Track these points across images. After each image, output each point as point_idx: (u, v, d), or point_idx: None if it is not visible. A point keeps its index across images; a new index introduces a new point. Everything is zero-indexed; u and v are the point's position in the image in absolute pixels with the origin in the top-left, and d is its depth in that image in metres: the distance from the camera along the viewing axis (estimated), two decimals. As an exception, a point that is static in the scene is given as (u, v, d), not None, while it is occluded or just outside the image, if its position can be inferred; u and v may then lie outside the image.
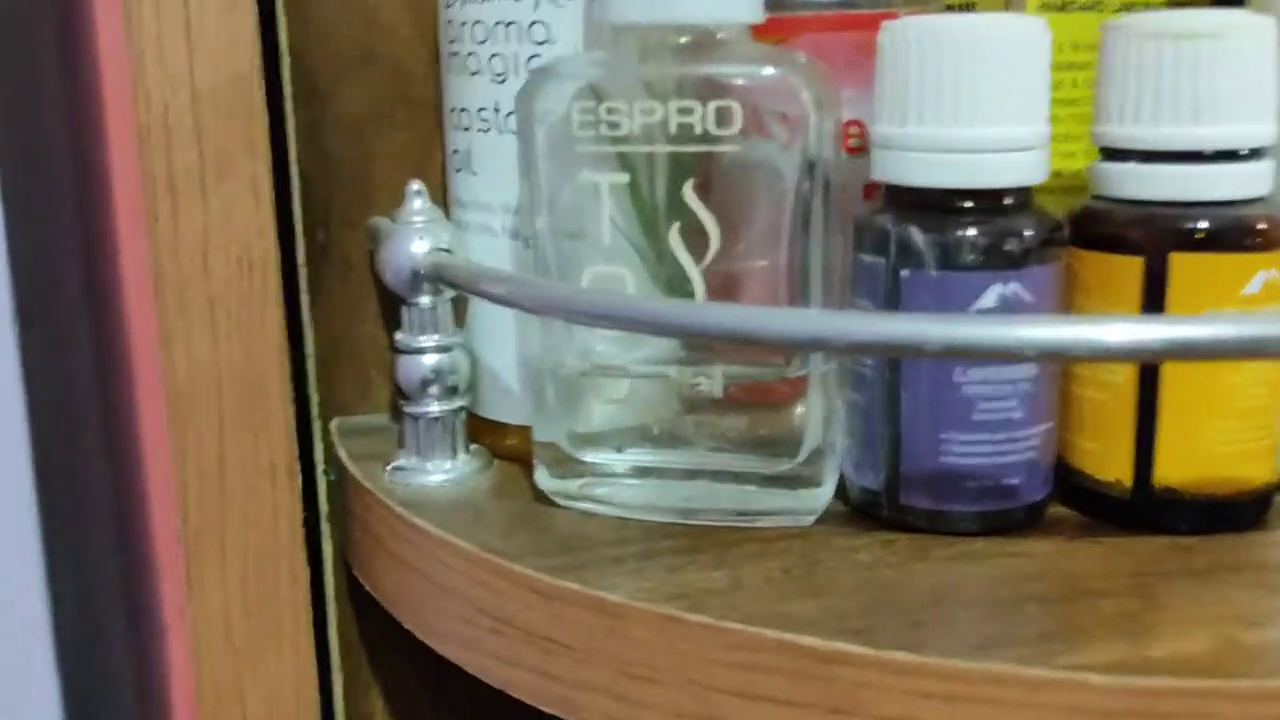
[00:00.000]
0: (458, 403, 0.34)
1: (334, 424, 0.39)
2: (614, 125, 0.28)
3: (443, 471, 0.34)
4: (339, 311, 0.40)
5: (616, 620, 0.26)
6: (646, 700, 0.26)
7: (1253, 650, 0.23)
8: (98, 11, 0.37)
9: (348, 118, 0.38)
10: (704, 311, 0.26)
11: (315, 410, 0.40)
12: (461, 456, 0.34)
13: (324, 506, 0.39)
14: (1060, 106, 0.31)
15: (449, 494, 0.33)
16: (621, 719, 0.26)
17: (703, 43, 0.28)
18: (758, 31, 0.31)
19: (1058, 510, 0.30)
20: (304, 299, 0.39)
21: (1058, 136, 0.29)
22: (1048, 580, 0.26)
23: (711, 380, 0.29)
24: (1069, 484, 0.30)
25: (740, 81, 0.27)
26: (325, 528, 0.39)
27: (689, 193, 0.28)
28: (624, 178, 0.28)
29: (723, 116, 0.27)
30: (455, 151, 0.34)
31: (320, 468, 0.39)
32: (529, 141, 0.29)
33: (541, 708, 0.28)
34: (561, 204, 0.29)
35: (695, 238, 0.28)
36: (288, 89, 0.38)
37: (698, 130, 0.27)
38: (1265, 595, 0.25)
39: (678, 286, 0.29)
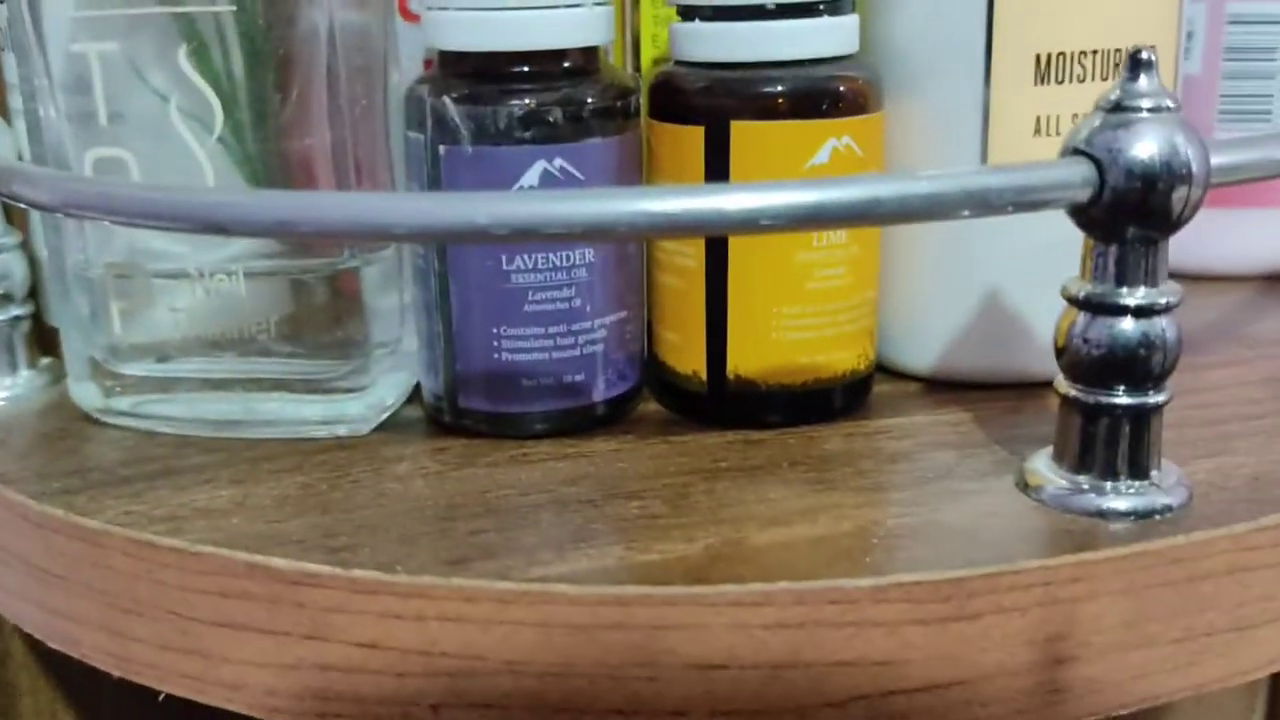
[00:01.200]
0: (15, 312, 0.30)
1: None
2: (98, -18, 0.24)
3: (1, 389, 0.30)
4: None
5: (99, 549, 0.23)
6: (135, 633, 0.23)
7: (752, 552, 0.21)
8: None
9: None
10: (189, 198, 0.23)
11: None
12: (25, 373, 0.31)
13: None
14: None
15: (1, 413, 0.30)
16: (116, 654, 0.23)
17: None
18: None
19: (649, 408, 0.28)
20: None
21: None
22: (587, 483, 0.24)
23: (235, 279, 0.26)
24: (657, 379, 0.28)
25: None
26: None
27: (184, 63, 0.24)
28: (113, 45, 0.24)
29: (217, -30, 0.24)
30: (-3, 27, 0.30)
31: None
32: (24, 9, 0.25)
33: (49, 643, 0.25)
34: (59, 73, 0.25)
35: (201, 113, 0.25)
36: None
37: (191, -13, 0.24)
38: (806, 491, 0.23)
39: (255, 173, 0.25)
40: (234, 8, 0.24)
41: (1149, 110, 0.21)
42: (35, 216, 0.31)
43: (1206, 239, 0.35)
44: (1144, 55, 0.21)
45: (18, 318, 0.31)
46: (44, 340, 0.31)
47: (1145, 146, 0.20)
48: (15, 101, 0.30)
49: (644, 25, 0.30)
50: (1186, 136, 0.20)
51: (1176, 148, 0.20)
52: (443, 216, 0.20)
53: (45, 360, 0.31)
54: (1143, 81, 0.21)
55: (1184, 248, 0.31)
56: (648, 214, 0.20)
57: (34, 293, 0.31)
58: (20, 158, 0.29)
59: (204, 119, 0.25)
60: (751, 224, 0.20)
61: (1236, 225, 0.35)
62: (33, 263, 0.31)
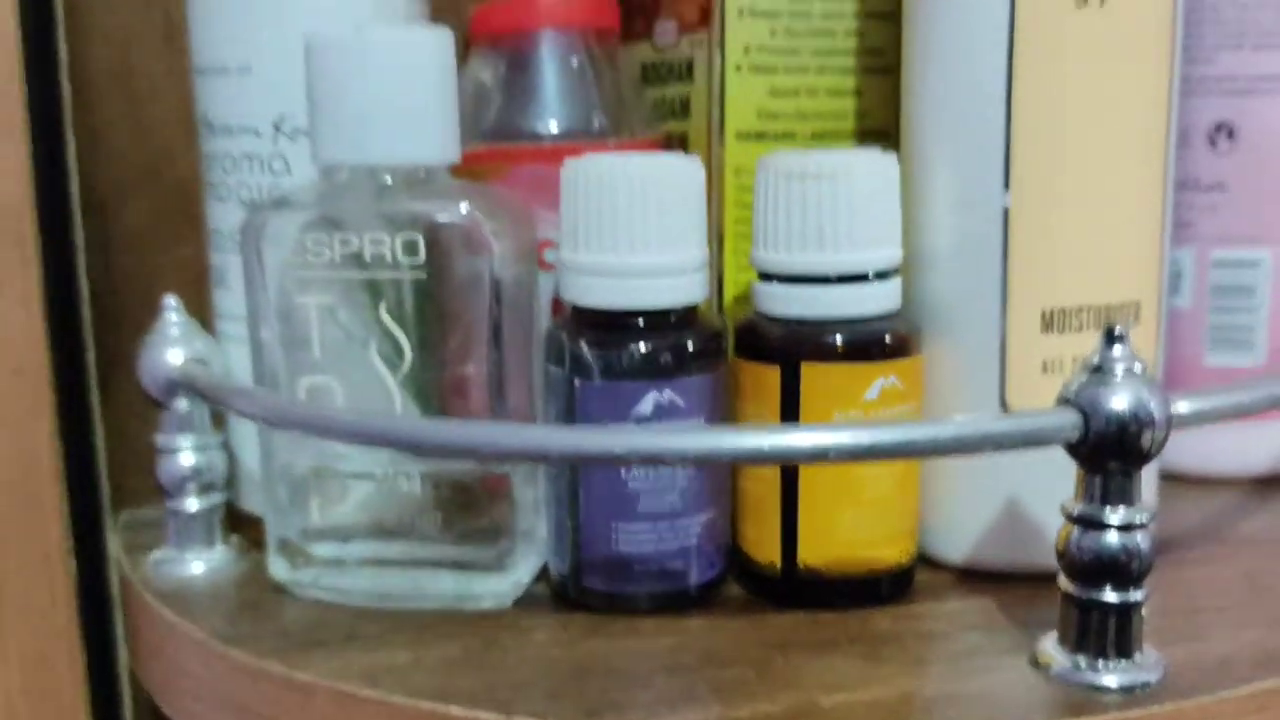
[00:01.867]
0: (215, 498, 0.37)
1: (121, 517, 0.42)
2: (317, 254, 0.32)
3: (200, 561, 0.37)
4: (130, 412, 0.43)
5: (309, 698, 0.29)
6: (335, 768, 0.29)
7: (822, 713, 0.27)
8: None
9: (132, 233, 0.42)
10: (391, 424, 0.30)
11: (107, 503, 0.43)
12: (219, 548, 0.38)
13: (113, 593, 0.42)
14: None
15: (201, 584, 0.36)
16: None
17: (402, 180, 0.32)
18: (486, 159, 0.36)
19: (733, 590, 0.34)
20: (94, 398, 0.42)
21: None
22: (687, 653, 0.30)
23: (410, 479, 0.32)
24: (741, 567, 0.34)
25: (428, 216, 0.31)
26: (116, 615, 0.42)
27: (383, 314, 0.32)
28: (327, 300, 0.32)
29: (409, 248, 0.31)
30: (214, 268, 0.38)
31: (109, 554, 0.42)
32: (253, 263, 0.33)
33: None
34: (280, 317, 0.33)
35: (393, 353, 0.32)
36: (75, 204, 0.41)
37: (389, 259, 0.31)
38: (863, 664, 0.29)
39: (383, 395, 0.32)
40: (423, 275, 0.31)
41: (1122, 372, 0.27)
42: (233, 419, 0.38)
43: (1201, 444, 0.41)
44: (1116, 330, 0.27)
45: (216, 504, 0.38)
46: (231, 520, 0.38)
47: (1119, 400, 0.27)
48: (225, 326, 0.38)
49: (728, 273, 0.37)
50: (1151, 392, 0.27)
51: (1144, 401, 0.27)
52: (590, 445, 0.27)
53: (233, 537, 0.38)
54: (1116, 349, 0.27)
55: (1182, 451, 0.37)
56: (741, 448, 0.27)
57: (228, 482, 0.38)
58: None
59: (395, 358, 0.32)
60: (820, 456, 0.27)
61: (1227, 432, 0.41)
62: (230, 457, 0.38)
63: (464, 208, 0.31)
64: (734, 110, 0.37)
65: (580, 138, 0.37)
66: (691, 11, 0.38)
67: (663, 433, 0.28)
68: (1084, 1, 0.31)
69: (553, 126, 0.37)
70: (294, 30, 0.33)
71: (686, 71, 0.38)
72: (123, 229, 0.42)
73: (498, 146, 0.37)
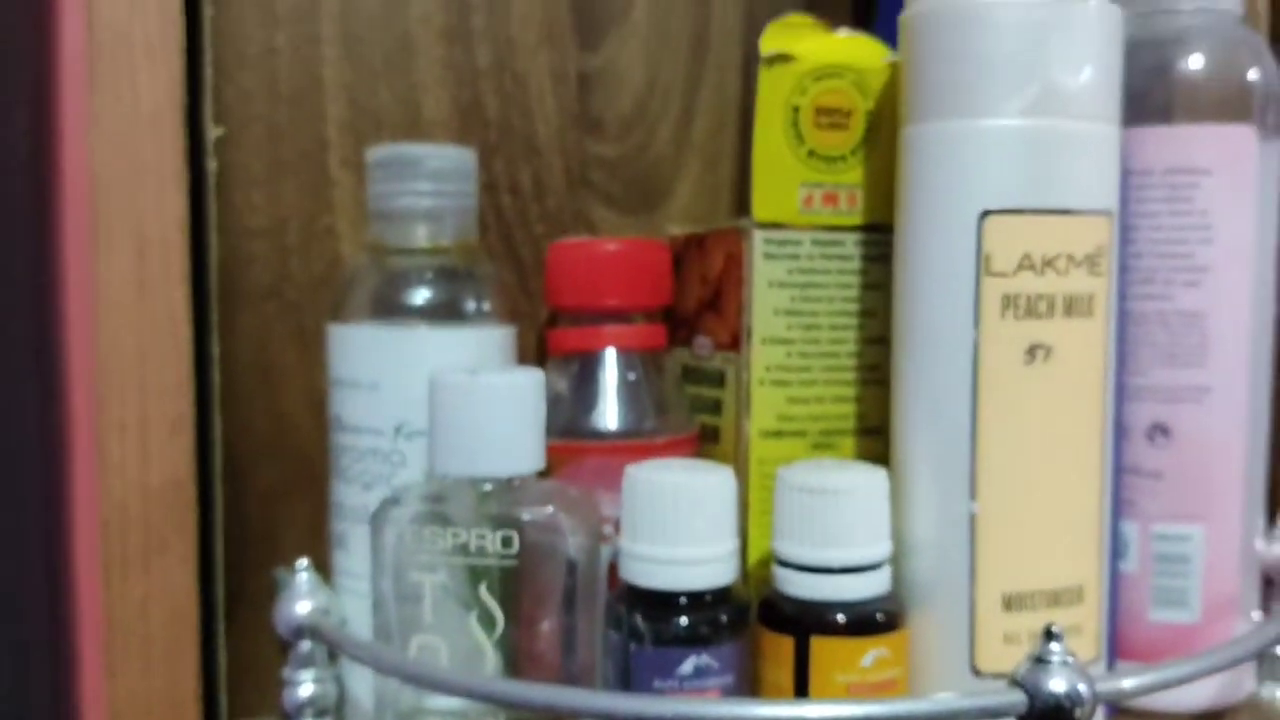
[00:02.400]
0: (328, 722, 0.46)
1: (238, 728, 0.51)
2: (433, 543, 0.41)
3: (314, 776, 0.45)
4: (247, 636, 0.51)
5: None
6: None
7: None
8: (77, 448, 0.49)
9: (261, 492, 0.51)
10: (479, 681, 0.38)
11: (224, 713, 0.51)
12: (329, 768, 0.46)
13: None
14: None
15: (318, 795, 0.44)
16: None
17: (499, 488, 0.41)
18: (560, 452, 0.45)
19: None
20: (220, 626, 0.51)
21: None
22: None
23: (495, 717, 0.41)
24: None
25: (523, 516, 0.40)
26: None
27: (483, 592, 0.40)
28: (439, 578, 0.41)
29: (507, 541, 0.40)
30: (335, 533, 0.47)
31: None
32: (378, 542, 0.42)
33: None
34: (397, 586, 0.41)
35: (487, 620, 0.41)
36: (218, 469, 0.50)
37: (489, 550, 0.40)
38: None
39: (478, 653, 0.41)
40: (515, 563, 0.40)
41: (1058, 662, 0.36)
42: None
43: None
44: (1054, 629, 0.36)
45: (330, 728, 0.46)
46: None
47: (1057, 684, 0.35)
48: (344, 581, 0.47)
49: (752, 541, 0.46)
50: (1084, 680, 0.35)
51: (1077, 687, 0.35)
52: (648, 710, 0.36)
53: (338, 757, 0.46)
54: (1053, 644, 0.36)
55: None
56: (769, 715, 0.35)
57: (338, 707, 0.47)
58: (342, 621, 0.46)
59: (489, 626, 0.41)
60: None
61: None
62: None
63: (549, 510, 0.40)
64: (758, 415, 0.46)
65: (635, 436, 0.46)
66: (724, 335, 0.47)
67: (707, 703, 0.37)
68: (1031, 358, 0.41)
69: (613, 426, 0.46)
70: (414, 358, 0.43)
71: (719, 380, 0.48)
72: (254, 489, 0.51)
73: (569, 442, 0.46)
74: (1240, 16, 0.49)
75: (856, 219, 0.47)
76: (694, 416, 0.49)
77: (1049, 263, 0.41)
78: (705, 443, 0.49)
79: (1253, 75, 0.48)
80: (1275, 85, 0.48)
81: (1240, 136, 0.47)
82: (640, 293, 0.48)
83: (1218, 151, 0.47)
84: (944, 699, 0.36)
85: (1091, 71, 0.41)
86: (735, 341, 0.46)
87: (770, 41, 0.45)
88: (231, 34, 0.50)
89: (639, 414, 0.47)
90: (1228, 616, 0.50)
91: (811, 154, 0.46)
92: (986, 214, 0.41)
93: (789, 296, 0.46)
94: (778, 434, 0.46)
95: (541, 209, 0.53)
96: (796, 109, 0.46)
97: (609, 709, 0.36)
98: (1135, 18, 0.47)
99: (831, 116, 0.46)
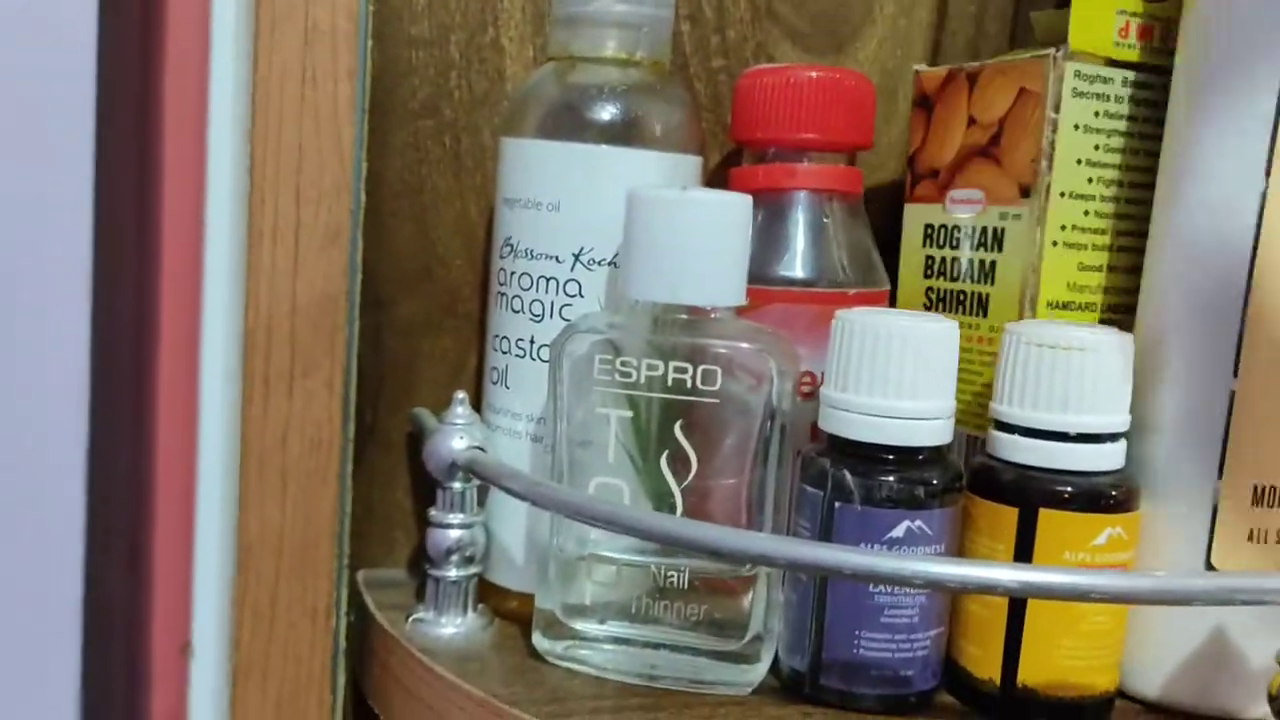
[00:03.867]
0: (473, 570, 0.42)
1: (360, 575, 0.47)
2: (625, 375, 0.36)
3: (454, 626, 0.42)
4: (376, 481, 0.48)
5: (593, 758, 0.34)
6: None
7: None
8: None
9: (403, 323, 0.47)
10: (675, 524, 0.34)
11: (344, 562, 0.47)
12: (470, 615, 0.42)
13: (341, 644, 0.47)
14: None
15: (458, 646, 0.41)
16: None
17: (698, 320, 0.37)
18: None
19: (945, 698, 0.38)
20: (347, 467, 0.47)
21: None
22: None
23: (680, 573, 0.37)
24: (955, 678, 0.38)
25: (724, 351, 0.36)
26: (341, 661, 0.47)
27: (678, 431, 0.36)
28: (628, 413, 0.37)
29: (707, 377, 0.36)
30: (493, 368, 0.43)
31: (343, 609, 0.47)
32: (557, 375, 0.38)
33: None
34: (577, 423, 0.38)
35: (679, 462, 0.37)
36: (356, 297, 0.46)
37: (688, 385, 0.36)
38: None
39: (663, 497, 0.37)
40: (716, 400, 0.36)
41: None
42: (495, 500, 0.43)
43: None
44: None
45: (475, 574, 0.42)
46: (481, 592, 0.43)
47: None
48: (498, 420, 0.43)
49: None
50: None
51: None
52: (864, 564, 0.32)
53: (480, 605, 0.43)
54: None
55: None
56: (1000, 582, 0.31)
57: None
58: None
59: (682, 469, 0.37)
60: (1082, 597, 0.31)
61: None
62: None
63: (755, 346, 0.36)
64: (1048, 282, 0.41)
65: (824, 286, 0.42)
66: (1005, 187, 0.41)
67: (940, 561, 0.33)
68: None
69: (801, 274, 0.42)
70: (603, 178, 0.39)
71: (995, 240, 0.42)
72: (395, 320, 0.47)
73: (754, 288, 0.42)
74: None
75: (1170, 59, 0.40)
76: (885, 275, 0.45)
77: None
78: (965, 314, 0.43)
79: None
80: None
81: None
82: (839, 129, 0.43)
83: None
84: (1240, 575, 0.31)
85: None
86: (1023, 193, 0.41)
87: None
88: None
89: (831, 262, 0.43)
90: None
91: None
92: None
93: (1094, 144, 0.40)
94: (1065, 306, 0.41)
95: (722, 40, 0.49)
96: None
97: (821, 559, 0.32)
98: None
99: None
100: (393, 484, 0.48)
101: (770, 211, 0.43)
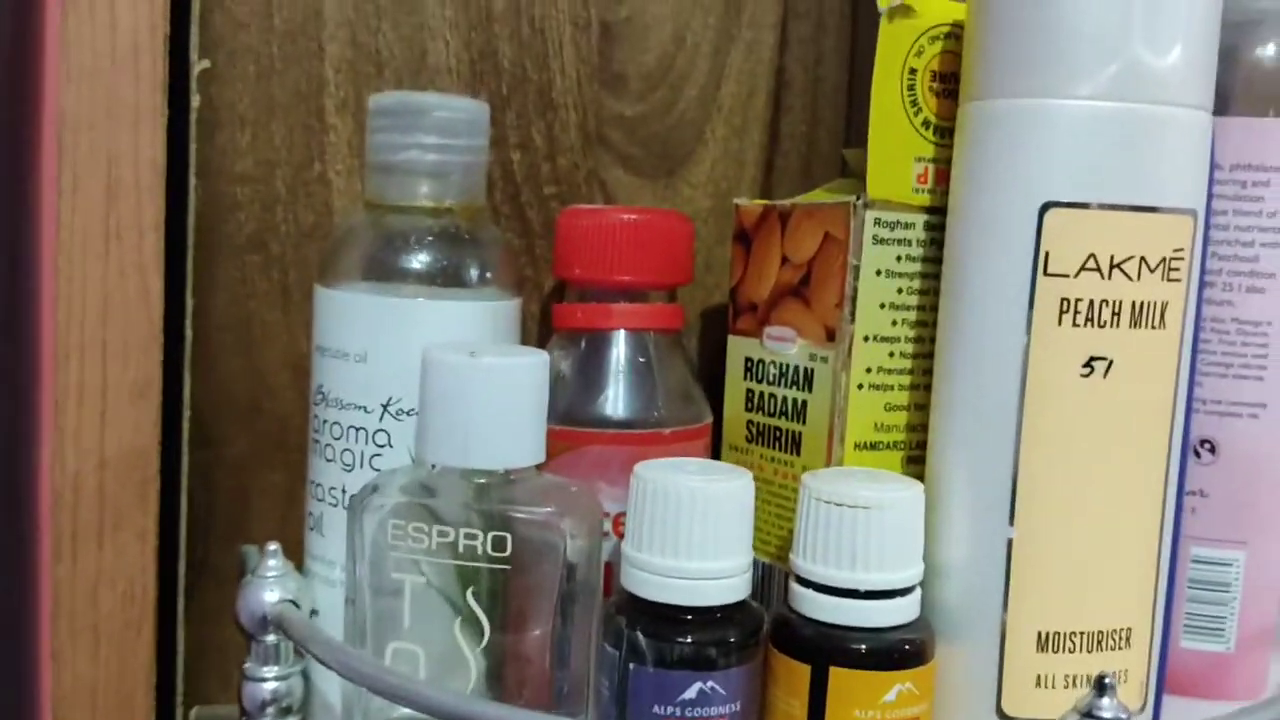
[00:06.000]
0: (292, 720, 0.42)
1: (194, 712, 0.47)
2: (417, 540, 0.37)
3: (279, 774, 0.41)
4: (209, 617, 0.47)
5: None
6: None
7: None
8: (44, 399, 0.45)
9: (233, 459, 0.47)
10: (457, 701, 0.34)
11: (180, 699, 0.47)
12: (297, 767, 0.42)
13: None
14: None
15: (282, 794, 0.41)
16: None
17: (491, 483, 0.37)
18: (559, 438, 0.40)
19: None
20: (180, 603, 0.47)
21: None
22: None
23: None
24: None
25: (518, 515, 0.36)
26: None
27: (469, 597, 0.36)
28: (421, 580, 0.37)
29: (499, 544, 0.36)
30: (310, 514, 0.43)
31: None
32: (356, 537, 0.38)
33: None
34: (376, 583, 0.37)
35: (473, 628, 0.37)
36: (185, 437, 0.46)
37: (479, 552, 0.36)
38: None
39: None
40: (508, 566, 0.36)
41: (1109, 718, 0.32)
42: (314, 649, 0.43)
43: None
44: (1107, 681, 0.32)
45: (294, 725, 0.42)
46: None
47: (1104, 739, 0.31)
48: (316, 567, 0.43)
49: (765, 555, 0.42)
50: (1129, 735, 0.32)
51: (1121, 739, 0.31)
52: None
53: (304, 754, 0.43)
54: (1105, 699, 0.32)
55: None
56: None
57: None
58: (313, 611, 0.42)
59: (476, 633, 0.37)
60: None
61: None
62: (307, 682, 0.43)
63: (548, 510, 0.36)
64: (854, 423, 0.41)
65: (642, 426, 0.42)
66: (814, 328, 0.42)
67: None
68: (1089, 371, 0.37)
69: (619, 414, 0.42)
70: (409, 330, 0.39)
71: (805, 379, 0.42)
72: (225, 456, 0.47)
73: (570, 429, 0.42)
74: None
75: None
76: (707, 408, 0.45)
77: (1118, 265, 0.37)
78: (780, 451, 0.43)
79: (1337, 67, 0.44)
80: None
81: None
82: (655, 270, 0.43)
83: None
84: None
85: (1182, 50, 0.37)
86: (829, 336, 0.41)
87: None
88: (222, -43, 0.46)
89: (648, 402, 0.43)
90: (1263, 648, 0.47)
91: (927, 124, 0.41)
92: (1048, 206, 0.37)
93: (896, 288, 0.41)
94: (873, 446, 0.42)
95: (553, 168, 0.49)
96: (914, 71, 0.40)
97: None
98: None
99: (948, 83, 0.41)
100: (226, 619, 0.47)
101: (589, 349, 0.43)
